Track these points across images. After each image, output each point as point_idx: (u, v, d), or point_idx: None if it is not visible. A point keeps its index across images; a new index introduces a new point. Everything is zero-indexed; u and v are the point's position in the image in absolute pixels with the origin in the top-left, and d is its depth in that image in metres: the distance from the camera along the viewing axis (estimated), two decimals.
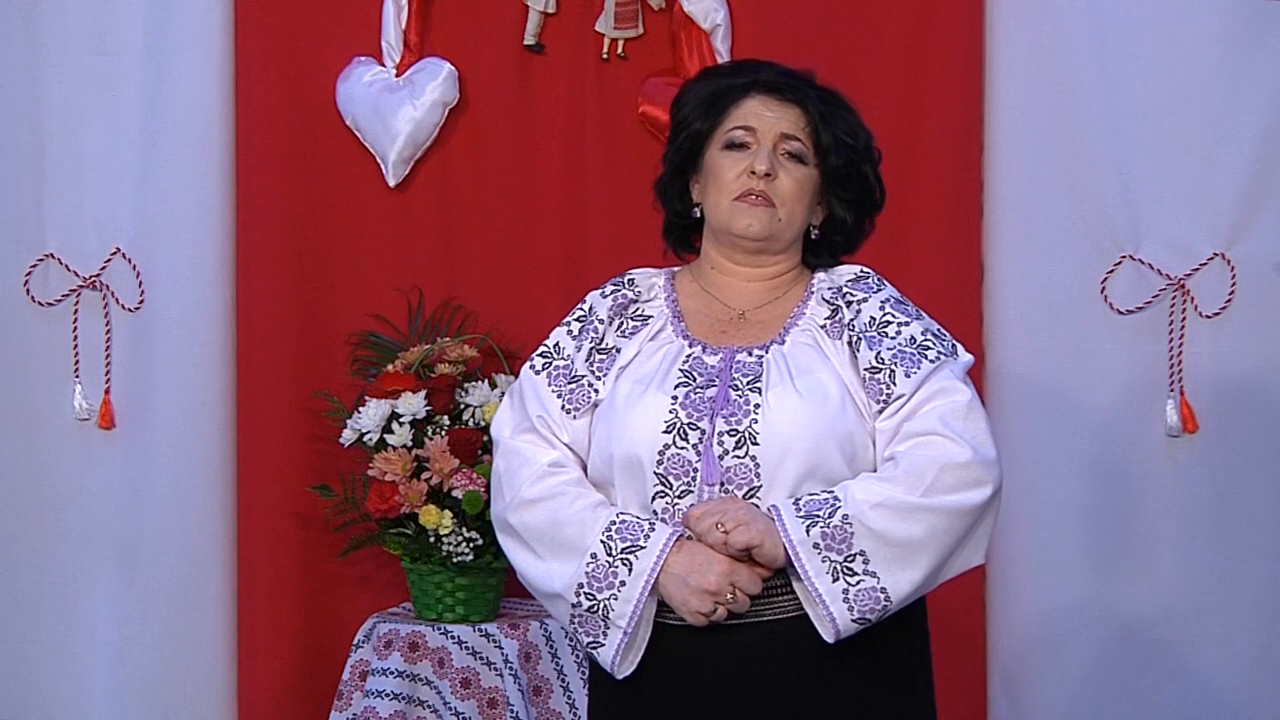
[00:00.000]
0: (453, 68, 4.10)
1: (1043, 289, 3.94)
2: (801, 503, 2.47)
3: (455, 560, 3.80)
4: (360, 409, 3.87)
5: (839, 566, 2.43)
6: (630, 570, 2.47)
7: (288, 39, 4.13)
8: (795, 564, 2.45)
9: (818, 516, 2.45)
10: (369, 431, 3.84)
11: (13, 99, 4.15)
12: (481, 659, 3.77)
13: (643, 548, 2.48)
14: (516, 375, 3.89)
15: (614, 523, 2.51)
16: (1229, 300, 3.89)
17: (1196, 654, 3.90)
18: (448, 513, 3.77)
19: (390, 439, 3.81)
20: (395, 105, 4.06)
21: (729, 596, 2.46)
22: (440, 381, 3.87)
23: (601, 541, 2.50)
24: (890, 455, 2.51)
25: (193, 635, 4.12)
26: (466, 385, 3.89)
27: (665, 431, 2.52)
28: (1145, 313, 3.91)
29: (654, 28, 4.07)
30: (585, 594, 2.49)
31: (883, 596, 2.44)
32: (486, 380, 3.90)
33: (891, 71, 4.00)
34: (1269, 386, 3.89)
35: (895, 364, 2.54)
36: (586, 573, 2.49)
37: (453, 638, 3.78)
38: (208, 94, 4.10)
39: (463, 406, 3.86)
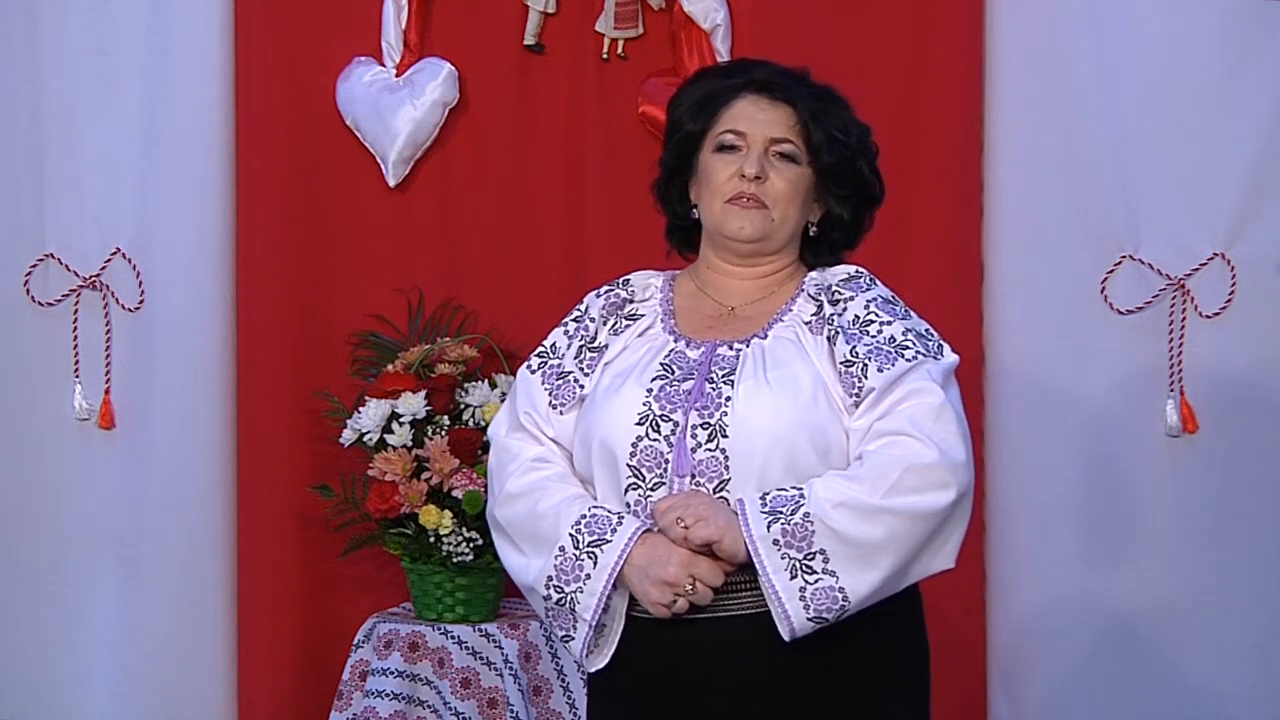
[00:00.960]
0: (453, 68, 4.10)
1: (1043, 289, 3.94)
2: (768, 498, 2.46)
3: (455, 560, 3.80)
4: (360, 409, 3.87)
5: (798, 564, 2.43)
6: (595, 563, 2.49)
7: (288, 39, 4.13)
8: (754, 560, 2.44)
9: (781, 513, 2.44)
10: (369, 431, 3.84)
11: (13, 99, 4.15)
12: (481, 659, 3.78)
13: (608, 541, 2.49)
14: (516, 375, 3.91)
15: (584, 516, 2.52)
16: (1229, 300, 3.89)
17: (1196, 653, 3.90)
18: (448, 513, 3.77)
19: (390, 439, 3.81)
20: (395, 105, 4.07)
21: (688, 588, 2.46)
22: (440, 381, 3.87)
23: (570, 534, 2.51)
24: (859, 454, 2.50)
25: (193, 635, 4.12)
26: (466, 385, 3.89)
27: (638, 423, 2.53)
28: (1145, 313, 3.91)
29: (654, 28, 4.07)
30: (554, 587, 2.51)
31: (840, 596, 2.43)
32: (486, 380, 3.90)
33: (891, 71, 4.00)
34: (1269, 386, 3.89)
35: (869, 359, 2.53)
36: (555, 566, 2.51)
37: (453, 638, 3.78)
38: (208, 94, 4.11)
39: (463, 406, 3.86)
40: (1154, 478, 3.91)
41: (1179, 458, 3.90)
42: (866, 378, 2.52)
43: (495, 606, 3.91)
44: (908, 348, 2.56)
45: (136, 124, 4.11)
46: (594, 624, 2.49)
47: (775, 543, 2.43)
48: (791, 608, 2.42)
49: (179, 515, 4.11)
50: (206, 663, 4.13)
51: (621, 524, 2.50)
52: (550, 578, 2.51)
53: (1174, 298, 3.91)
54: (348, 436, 3.89)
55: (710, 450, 2.50)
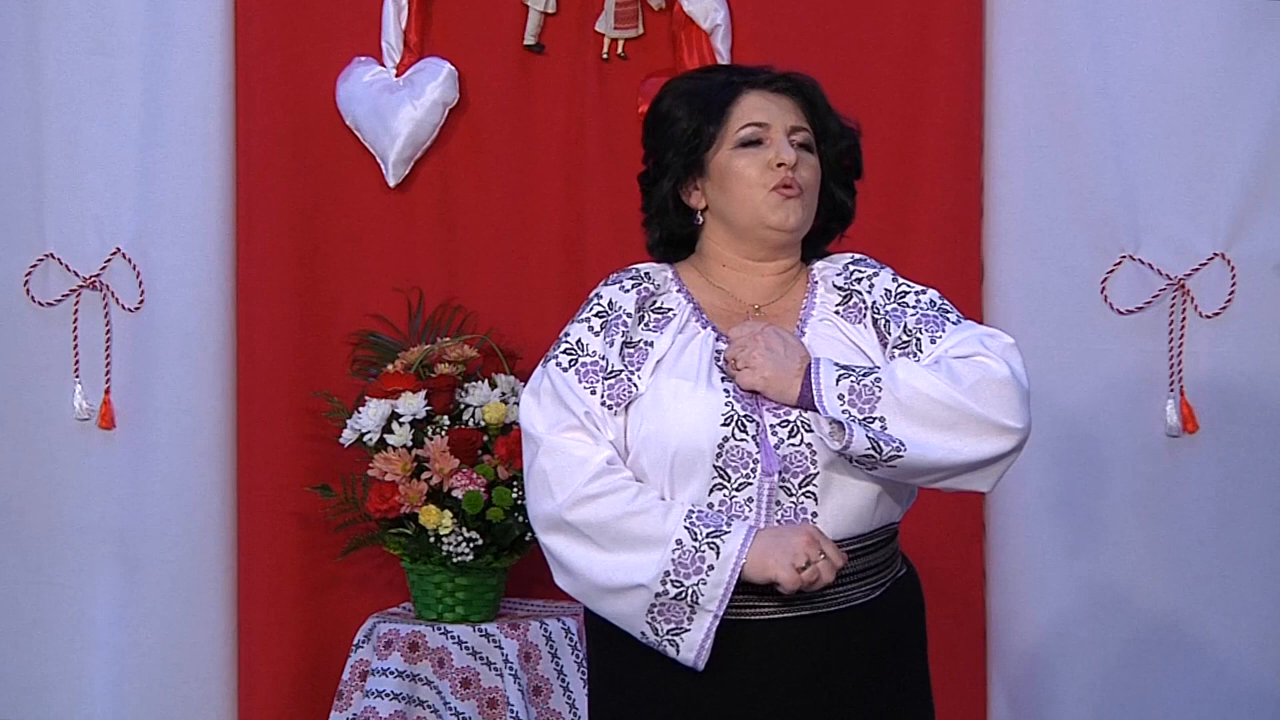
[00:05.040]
0: (453, 68, 4.10)
1: (1043, 289, 3.94)
2: (845, 364, 2.52)
3: (455, 560, 3.80)
4: (360, 409, 3.87)
5: (858, 422, 2.46)
6: (718, 554, 2.47)
7: (288, 39, 4.13)
8: (815, 398, 2.48)
9: (853, 372, 2.50)
10: (369, 431, 3.84)
11: (13, 99, 4.15)
12: (481, 659, 3.78)
13: (728, 532, 2.48)
14: (517, 375, 3.91)
15: (693, 511, 2.51)
16: (1229, 300, 3.89)
17: (1198, 654, 3.90)
18: (448, 513, 3.77)
19: (390, 439, 3.81)
20: (395, 105, 4.07)
21: (819, 554, 2.46)
22: (440, 381, 3.87)
23: (685, 528, 2.49)
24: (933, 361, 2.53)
25: (193, 635, 4.12)
26: (466, 385, 3.89)
27: (724, 425, 2.52)
28: (1145, 313, 3.92)
29: (654, 28, 4.08)
30: (672, 581, 2.47)
31: (899, 444, 2.44)
32: (486, 380, 3.90)
33: (891, 71, 4.00)
34: (1269, 386, 3.89)
35: (920, 330, 2.57)
36: (673, 559, 2.47)
37: (453, 638, 3.78)
38: (208, 94, 4.11)
39: (463, 406, 3.86)
40: (1154, 478, 3.91)
41: (1179, 458, 3.90)
42: (921, 351, 2.55)
43: (495, 606, 3.91)
44: (949, 311, 2.61)
45: (136, 124, 4.11)
46: (720, 615, 2.47)
47: (840, 396, 2.48)
48: (857, 430, 2.43)
49: (179, 515, 4.11)
50: (206, 663, 4.13)
51: (735, 520, 2.50)
52: (668, 572, 2.47)
53: (1174, 298, 3.91)
54: (348, 436, 3.89)
55: (794, 445, 2.51)
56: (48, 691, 4.17)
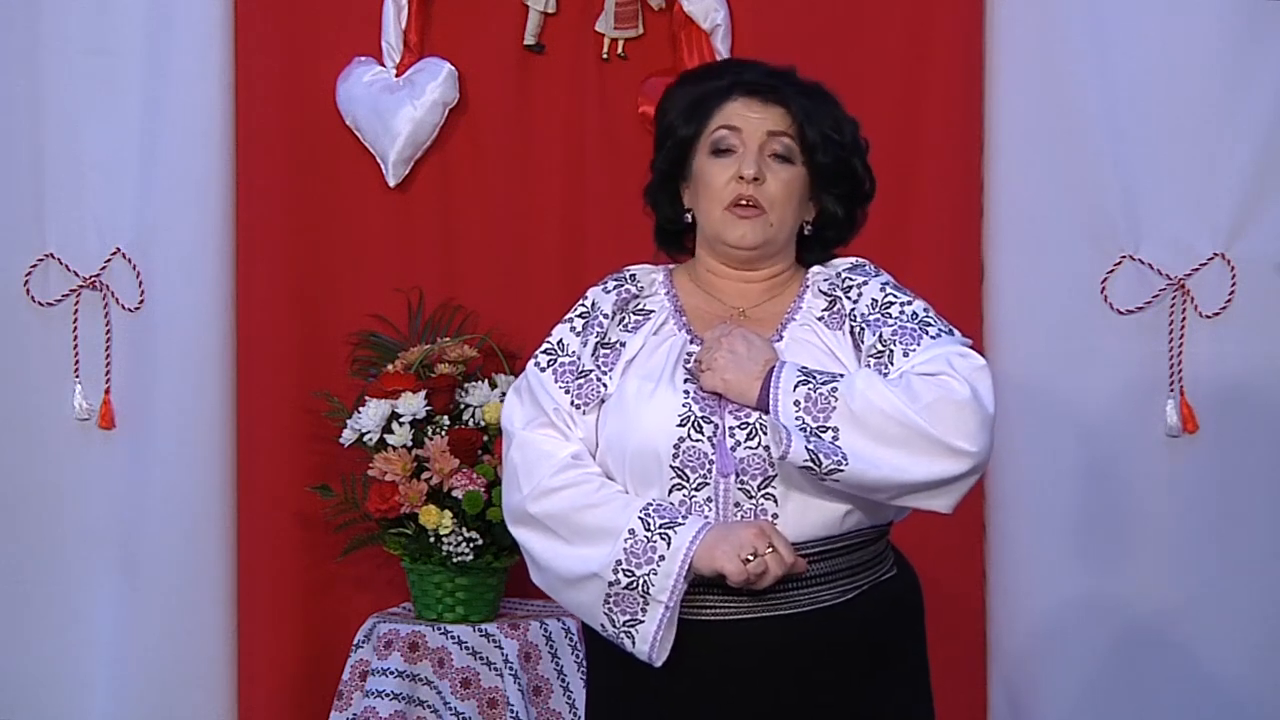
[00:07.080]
0: (453, 68, 4.10)
1: (1043, 289, 3.94)
2: (810, 369, 2.50)
3: (455, 560, 3.80)
4: (360, 409, 3.87)
5: (810, 430, 2.44)
6: (669, 545, 2.48)
7: (288, 39, 4.13)
8: (770, 403, 2.47)
9: (813, 379, 2.48)
10: (369, 431, 3.84)
11: (13, 99, 4.15)
12: (481, 659, 3.78)
13: (681, 525, 2.49)
14: (516, 375, 3.91)
15: (650, 504, 2.52)
16: (1229, 300, 3.89)
17: (1197, 654, 3.90)
18: (448, 513, 3.77)
19: (390, 439, 3.81)
20: (395, 105, 4.07)
21: (767, 547, 2.46)
22: (440, 381, 3.87)
23: (640, 519, 2.50)
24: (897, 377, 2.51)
25: (193, 635, 4.12)
26: (466, 385, 3.89)
27: (680, 425, 2.53)
28: (1145, 313, 3.92)
29: (654, 28, 4.08)
30: (624, 570, 2.48)
31: (840, 458, 2.43)
32: (486, 380, 3.90)
33: (891, 71, 4.00)
34: (1269, 386, 3.89)
35: (894, 342, 2.55)
36: (625, 549, 2.49)
37: (453, 638, 3.78)
38: (208, 94, 4.11)
39: (463, 406, 3.86)
40: (1154, 478, 3.91)
41: (1179, 458, 3.90)
42: (893, 364, 2.53)
43: (495, 606, 3.91)
44: (930, 324, 2.58)
45: (136, 124, 4.11)
46: (670, 605, 2.47)
47: (796, 403, 2.46)
48: (796, 439, 2.43)
49: (179, 515, 4.11)
50: (206, 662, 4.13)
51: (690, 514, 2.51)
52: (620, 561, 2.48)
53: (1174, 298, 3.91)
54: (348, 436, 3.89)
55: (751, 448, 2.51)
56: (48, 691, 4.17)
